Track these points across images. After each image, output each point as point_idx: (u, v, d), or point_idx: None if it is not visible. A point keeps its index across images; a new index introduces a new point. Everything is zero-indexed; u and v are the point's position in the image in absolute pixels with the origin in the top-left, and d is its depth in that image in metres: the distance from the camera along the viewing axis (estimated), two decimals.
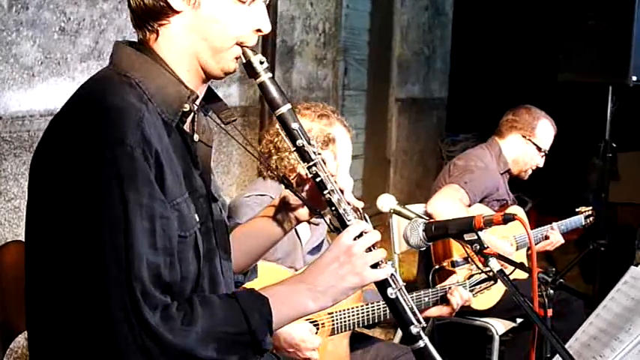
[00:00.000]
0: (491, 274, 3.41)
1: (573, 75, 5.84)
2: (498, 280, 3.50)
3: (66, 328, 1.76)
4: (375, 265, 1.96)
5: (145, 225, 1.71)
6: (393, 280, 2.00)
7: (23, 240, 2.36)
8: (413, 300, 3.20)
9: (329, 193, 2.03)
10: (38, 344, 1.88)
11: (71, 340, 1.76)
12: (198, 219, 1.90)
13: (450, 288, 3.36)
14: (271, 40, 6.13)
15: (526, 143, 4.65)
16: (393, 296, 2.00)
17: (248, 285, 2.70)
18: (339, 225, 2.04)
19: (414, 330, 2.01)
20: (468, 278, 3.49)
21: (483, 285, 3.50)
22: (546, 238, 4.66)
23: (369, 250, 1.96)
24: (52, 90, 4.31)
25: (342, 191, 2.05)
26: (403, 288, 2.02)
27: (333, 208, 2.03)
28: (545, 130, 4.68)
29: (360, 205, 2.09)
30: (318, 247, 3.30)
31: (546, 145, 4.69)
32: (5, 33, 4.00)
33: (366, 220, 2.04)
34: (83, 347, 1.74)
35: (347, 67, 8.26)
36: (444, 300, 3.35)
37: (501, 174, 4.65)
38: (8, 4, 3.99)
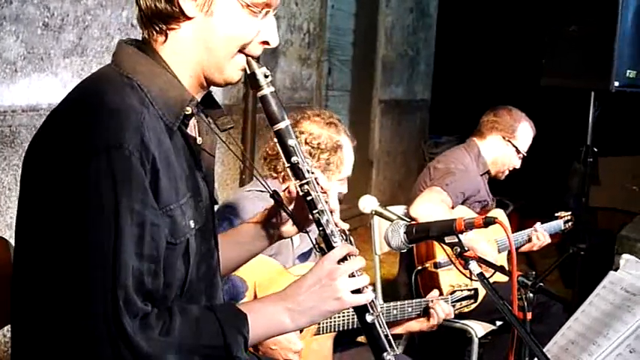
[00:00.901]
0: (472, 292, 3.49)
1: (556, 79, 5.85)
2: (479, 287, 3.56)
3: (47, 327, 1.76)
4: (356, 291, 1.95)
5: (134, 231, 1.71)
6: (372, 306, 2.01)
7: (3, 236, 2.35)
8: (397, 310, 3.24)
9: (318, 213, 2.04)
10: (21, 342, 1.88)
11: (51, 339, 1.75)
12: (193, 225, 1.89)
13: (432, 301, 3.37)
14: None
15: (506, 145, 4.67)
16: (370, 322, 2.02)
17: (239, 274, 2.72)
18: (324, 245, 2.04)
19: (387, 357, 2.03)
20: (451, 293, 3.52)
21: (464, 302, 3.54)
22: (529, 240, 4.68)
23: (352, 275, 1.95)
24: (35, 85, 4.29)
25: (331, 212, 2.06)
26: (381, 315, 2.04)
27: (321, 229, 2.04)
28: (525, 133, 4.70)
29: (346, 226, 2.10)
30: (307, 254, 3.31)
31: (525, 147, 4.71)
32: None
33: (351, 243, 2.05)
34: (62, 347, 1.73)
35: (331, 68, 8.26)
36: (425, 312, 3.36)
37: (481, 175, 4.67)
38: None
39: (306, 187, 2.04)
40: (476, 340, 4.25)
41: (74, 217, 1.68)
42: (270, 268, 3.00)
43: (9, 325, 1.95)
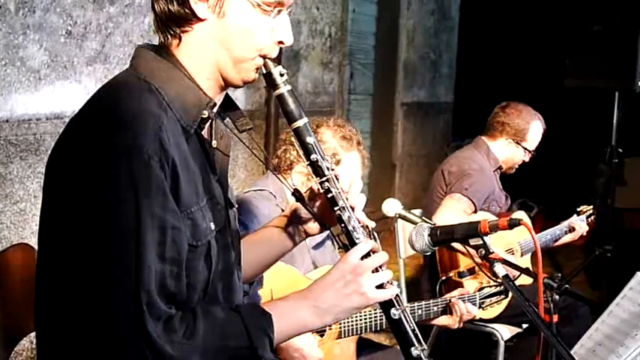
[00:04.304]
0: (502, 288, 3.45)
1: (580, 80, 5.84)
2: (509, 293, 3.52)
3: (72, 333, 1.77)
4: (380, 286, 1.95)
5: (156, 235, 1.72)
6: (397, 301, 2.00)
7: (28, 243, 2.37)
8: (422, 309, 3.24)
9: (339, 209, 2.03)
10: (46, 347, 1.89)
11: (75, 344, 1.77)
12: (214, 227, 1.90)
13: (450, 300, 3.35)
14: None
15: (516, 147, 4.63)
16: (397, 317, 2.00)
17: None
18: (347, 242, 2.03)
19: (414, 352, 2.01)
20: (479, 290, 3.49)
21: (494, 299, 3.48)
22: (572, 230, 4.65)
23: (375, 270, 1.95)
24: (59, 93, 4.32)
25: (352, 209, 2.05)
26: (407, 309, 2.02)
27: (343, 225, 2.03)
28: (535, 133, 4.64)
29: (372, 224, 2.09)
30: (323, 242, 3.31)
31: (535, 146, 4.66)
32: (12, 36, 4.01)
33: (375, 239, 2.04)
34: (86, 351, 1.75)
35: (353, 72, 8.25)
36: (451, 311, 3.33)
37: (493, 171, 4.63)
38: (15, 7, 4.00)
39: (326, 184, 2.03)
40: (502, 343, 4.23)
41: (96, 223, 1.70)
42: (287, 275, 3.00)
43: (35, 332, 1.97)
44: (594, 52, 5.66)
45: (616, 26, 5.59)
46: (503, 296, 3.52)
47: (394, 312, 1.99)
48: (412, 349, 2.00)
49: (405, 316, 2.01)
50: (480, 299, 3.44)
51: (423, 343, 2.02)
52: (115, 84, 1.92)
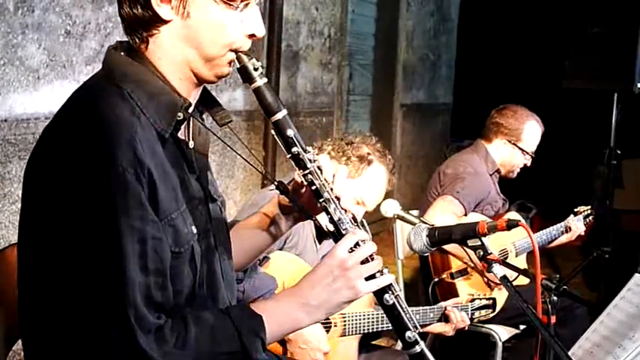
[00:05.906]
0: (491, 302, 3.52)
1: (578, 81, 5.84)
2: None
3: (61, 351, 1.76)
4: (371, 277, 1.93)
5: (137, 248, 1.70)
6: (390, 287, 1.98)
7: None
8: (419, 315, 3.27)
9: (324, 201, 2.01)
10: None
11: None
12: (195, 230, 1.88)
13: (446, 308, 3.41)
14: (276, 44, 6.14)
15: (512, 148, 4.62)
16: (390, 302, 1.99)
17: (268, 271, 2.73)
18: (335, 232, 2.01)
19: (410, 335, 1.99)
20: (471, 301, 3.53)
21: (483, 312, 3.56)
22: (566, 231, 4.65)
23: (364, 261, 1.93)
24: (58, 93, 4.32)
25: (338, 199, 2.03)
26: (400, 294, 2.01)
27: (329, 217, 2.01)
28: (531, 134, 4.63)
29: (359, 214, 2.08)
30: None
31: (533, 147, 4.65)
32: (11, 35, 4.00)
33: (364, 227, 2.03)
34: None
35: (352, 72, 8.25)
36: (447, 319, 3.41)
37: (491, 175, 4.63)
38: (14, 6, 4.00)
39: (309, 176, 2.01)
40: (500, 345, 4.23)
41: (75, 242, 1.68)
42: (298, 268, 3.01)
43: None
44: (593, 53, 5.65)
45: (615, 28, 5.59)
46: (490, 310, 3.59)
47: (387, 298, 1.98)
48: (407, 332, 1.99)
49: (398, 300, 1.99)
50: (471, 310, 3.50)
51: (419, 326, 2.01)
52: (88, 90, 1.89)
